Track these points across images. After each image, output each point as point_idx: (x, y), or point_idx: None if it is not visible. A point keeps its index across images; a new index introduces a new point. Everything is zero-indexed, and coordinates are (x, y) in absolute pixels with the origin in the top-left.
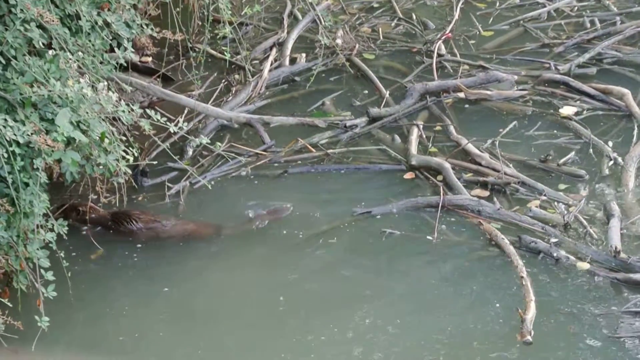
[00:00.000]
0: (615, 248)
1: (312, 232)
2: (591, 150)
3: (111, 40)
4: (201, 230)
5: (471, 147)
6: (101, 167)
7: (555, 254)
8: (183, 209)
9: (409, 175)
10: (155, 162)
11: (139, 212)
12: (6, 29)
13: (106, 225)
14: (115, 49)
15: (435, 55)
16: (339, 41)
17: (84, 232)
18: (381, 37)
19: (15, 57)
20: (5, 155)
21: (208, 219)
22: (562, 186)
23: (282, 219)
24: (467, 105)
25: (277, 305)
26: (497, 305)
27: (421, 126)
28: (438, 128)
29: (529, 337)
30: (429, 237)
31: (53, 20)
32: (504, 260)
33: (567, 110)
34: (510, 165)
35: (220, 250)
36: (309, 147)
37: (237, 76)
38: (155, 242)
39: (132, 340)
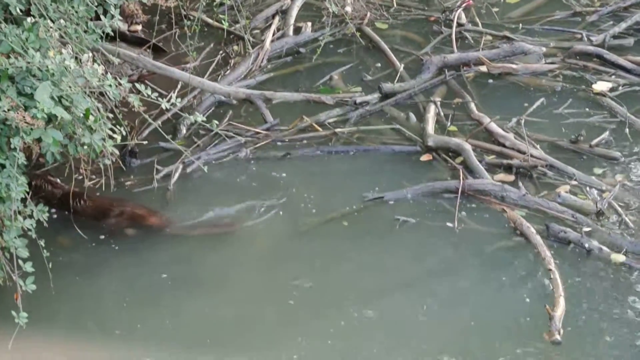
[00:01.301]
0: None
1: (318, 219)
2: (627, 130)
3: (97, 6)
4: (148, 219)
5: (494, 127)
6: (86, 147)
7: (587, 245)
8: (171, 195)
9: (425, 158)
10: (145, 142)
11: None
12: None
13: (53, 203)
14: (101, 17)
15: (454, 24)
16: (348, 9)
17: (55, 216)
18: (395, 4)
19: None
20: None
21: (199, 206)
22: (595, 170)
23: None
24: (490, 80)
25: (285, 299)
26: (523, 300)
27: (439, 103)
28: (457, 103)
29: (557, 336)
30: (449, 224)
31: None
32: (530, 251)
33: (600, 85)
34: (538, 147)
35: (219, 239)
36: (315, 126)
37: (235, 47)
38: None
39: (131, 333)
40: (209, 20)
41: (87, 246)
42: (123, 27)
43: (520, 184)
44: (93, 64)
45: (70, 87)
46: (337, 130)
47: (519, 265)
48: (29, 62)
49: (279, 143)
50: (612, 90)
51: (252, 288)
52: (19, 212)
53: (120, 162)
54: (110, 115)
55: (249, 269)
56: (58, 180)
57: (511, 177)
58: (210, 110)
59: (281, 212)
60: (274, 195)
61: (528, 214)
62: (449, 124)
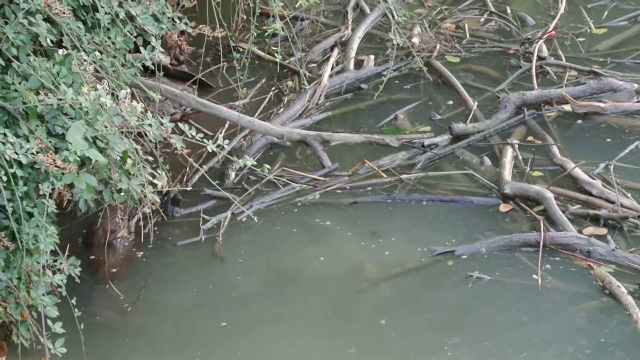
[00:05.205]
0: None
1: (380, 275)
2: None
3: (136, 37)
4: None
5: (579, 173)
6: (123, 193)
7: None
8: (220, 249)
9: (504, 207)
10: (189, 189)
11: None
12: (6, 23)
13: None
14: (141, 49)
15: (535, 58)
16: (415, 40)
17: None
18: (468, 36)
19: (17, 58)
20: (5, 178)
21: (247, 261)
22: None
23: None
24: (579, 121)
25: None
26: None
27: (517, 146)
28: (536, 144)
29: None
30: (528, 282)
31: (64, 12)
32: (620, 313)
33: None
34: (629, 196)
35: (268, 292)
36: (379, 171)
37: (290, 83)
38: None
39: None
40: (261, 53)
41: (117, 302)
42: (165, 60)
43: (609, 237)
44: (131, 101)
45: (105, 126)
46: (403, 176)
47: (607, 330)
48: (60, 99)
49: (338, 191)
50: None
51: (304, 355)
52: (48, 266)
53: (161, 211)
54: (150, 159)
55: (303, 334)
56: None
57: (603, 231)
58: (261, 153)
59: (339, 268)
60: (329, 246)
61: (618, 271)
62: (528, 169)
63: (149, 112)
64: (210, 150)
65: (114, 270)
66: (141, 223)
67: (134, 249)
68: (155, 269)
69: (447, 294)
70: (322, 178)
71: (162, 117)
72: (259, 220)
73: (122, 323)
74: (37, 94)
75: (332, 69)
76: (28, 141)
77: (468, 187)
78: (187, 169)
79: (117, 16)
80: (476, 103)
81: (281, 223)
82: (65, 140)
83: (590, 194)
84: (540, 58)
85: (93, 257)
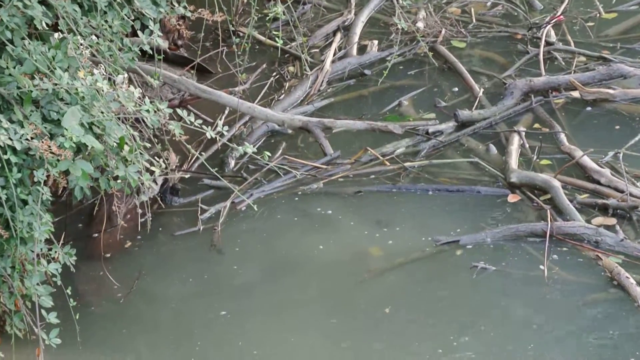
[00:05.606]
0: None
1: (383, 265)
2: None
3: (133, 21)
4: None
5: (587, 161)
6: (119, 181)
7: None
8: (218, 238)
9: (512, 198)
10: (187, 176)
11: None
12: (0, 5)
13: None
14: (139, 32)
15: (542, 43)
16: (420, 25)
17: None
18: (474, 20)
19: (11, 41)
20: None
21: (246, 250)
22: None
23: None
24: (588, 108)
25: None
26: None
27: (523, 133)
28: (543, 132)
29: None
30: (534, 273)
31: None
32: (629, 304)
33: None
34: (638, 185)
35: (269, 281)
36: (382, 158)
37: (291, 68)
38: None
39: None
40: (261, 38)
41: (112, 291)
42: (163, 44)
43: (617, 227)
44: (129, 86)
45: (102, 112)
46: (407, 164)
47: (615, 321)
48: (55, 84)
49: (341, 179)
50: None
51: (307, 343)
52: (43, 255)
53: (160, 200)
54: (148, 145)
55: (303, 319)
56: None
57: (611, 220)
58: (262, 141)
59: (342, 257)
60: (331, 235)
61: (627, 262)
62: (535, 157)
63: (146, 97)
64: (209, 137)
65: (110, 257)
66: (139, 211)
67: (131, 238)
68: (152, 259)
69: (452, 284)
70: (323, 166)
71: (160, 103)
72: (258, 209)
73: (119, 313)
74: (32, 78)
75: (334, 54)
76: (22, 127)
77: (473, 175)
78: (189, 158)
79: None
80: (482, 89)
81: (282, 212)
82: (61, 126)
83: (598, 182)
84: (548, 43)
85: (96, 235)
